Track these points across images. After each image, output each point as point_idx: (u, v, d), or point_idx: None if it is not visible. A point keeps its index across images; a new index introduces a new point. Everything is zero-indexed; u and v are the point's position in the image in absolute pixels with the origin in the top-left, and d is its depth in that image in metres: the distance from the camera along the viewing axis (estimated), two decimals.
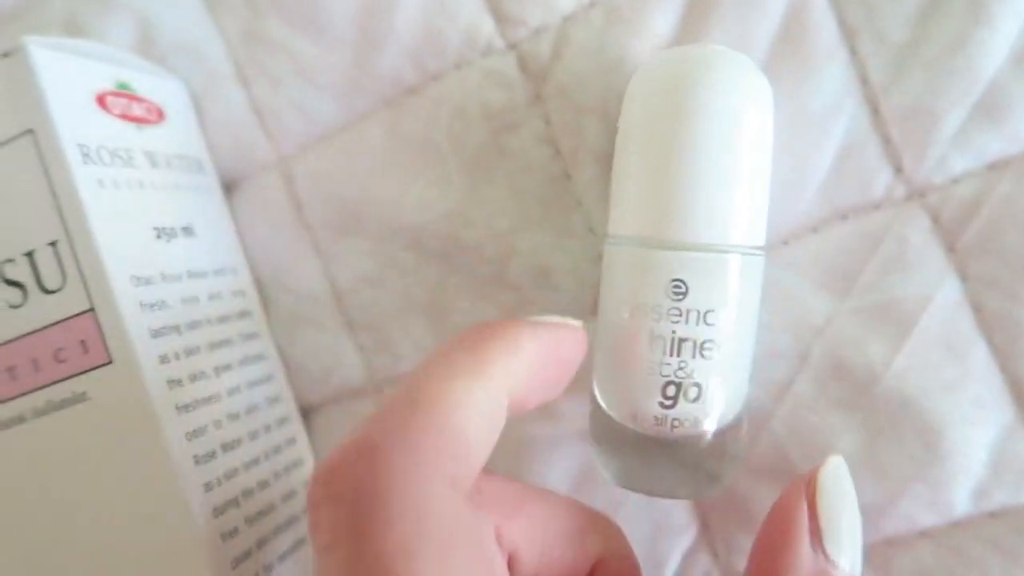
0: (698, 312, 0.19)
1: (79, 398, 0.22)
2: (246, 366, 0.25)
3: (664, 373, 0.19)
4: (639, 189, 0.19)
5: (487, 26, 0.24)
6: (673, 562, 0.24)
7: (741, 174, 0.19)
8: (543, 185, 0.24)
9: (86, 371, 0.22)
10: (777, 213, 0.22)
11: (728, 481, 0.21)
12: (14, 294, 0.22)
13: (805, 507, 0.18)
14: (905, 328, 0.21)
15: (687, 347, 0.19)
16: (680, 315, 0.19)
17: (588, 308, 0.24)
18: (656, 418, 0.19)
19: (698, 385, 0.19)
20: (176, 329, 0.23)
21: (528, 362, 0.19)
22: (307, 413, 0.28)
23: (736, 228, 0.19)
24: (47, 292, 0.22)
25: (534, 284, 0.25)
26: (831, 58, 0.21)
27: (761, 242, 0.20)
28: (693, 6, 0.23)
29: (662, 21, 0.23)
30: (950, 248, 0.21)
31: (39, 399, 0.22)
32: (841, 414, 0.22)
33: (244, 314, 0.26)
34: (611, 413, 0.20)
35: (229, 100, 0.27)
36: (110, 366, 0.21)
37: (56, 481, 0.22)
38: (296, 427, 0.27)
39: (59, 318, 0.22)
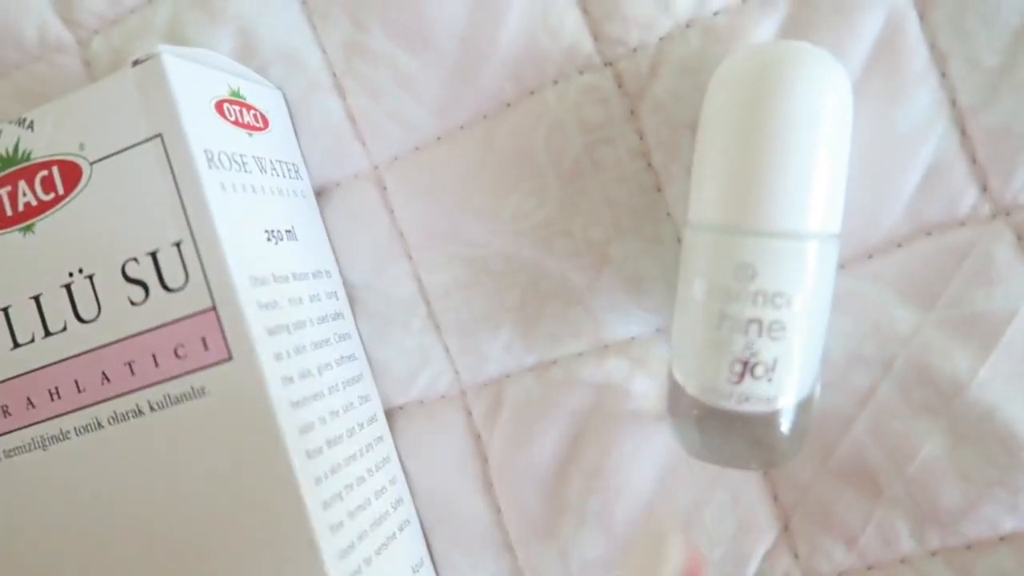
0: (766, 295, 0.20)
1: (198, 393, 0.23)
2: (342, 366, 0.26)
3: (733, 351, 0.20)
4: (714, 177, 0.20)
5: (587, 44, 0.25)
6: (754, 561, 0.25)
7: (815, 163, 0.20)
8: (635, 197, 0.25)
9: (206, 367, 0.22)
10: (863, 228, 0.23)
11: (795, 454, 0.21)
12: (136, 292, 0.23)
13: None
14: (990, 340, 0.22)
15: (754, 328, 0.20)
16: (749, 297, 0.20)
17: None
18: (726, 393, 0.20)
19: (766, 364, 0.20)
20: (287, 328, 0.24)
21: None
22: (391, 414, 0.28)
23: (806, 216, 0.20)
24: (169, 290, 0.23)
25: (625, 291, 0.26)
26: (922, 81, 0.23)
27: (835, 230, 0.20)
28: (789, 27, 0.24)
29: (757, 41, 0.24)
30: None
31: (157, 393, 0.23)
32: (924, 420, 0.23)
33: (338, 316, 0.27)
34: (685, 387, 0.21)
35: (326, 109, 0.28)
36: (230, 362, 0.22)
37: (171, 474, 0.23)
38: (383, 426, 0.28)
39: (180, 315, 0.23)
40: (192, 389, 0.23)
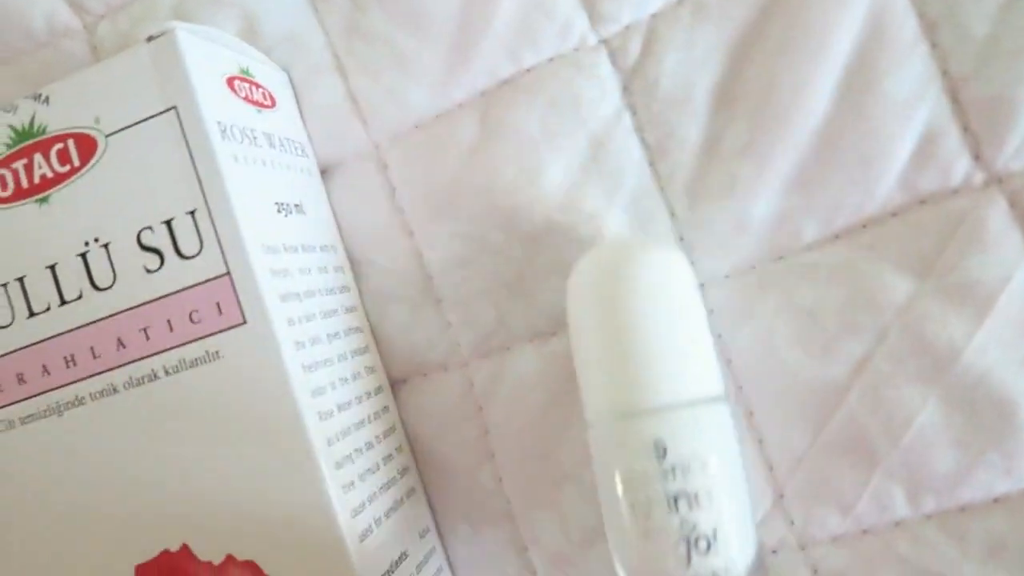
0: (683, 466, 0.20)
1: (212, 357, 0.23)
2: (349, 336, 0.27)
3: (671, 533, 0.20)
4: (599, 374, 0.22)
5: (581, 22, 0.26)
6: None
7: (682, 338, 0.21)
8: (630, 172, 0.26)
9: (221, 331, 0.23)
10: (857, 198, 0.24)
11: None
12: (151, 259, 0.24)
13: None
14: (985, 307, 0.23)
15: (684, 502, 0.20)
16: (668, 473, 0.20)
17: None
18: None
19: (707, 536, 0.20)
20: (297, 296, 0.24)
21: None
22: (395, 386, 0.29)
23: (693, 384, 0.21)
24: (184, 258, 0.23)
25: None
26: (913, 50, 0.23)
27: (721, 391, 0.22)
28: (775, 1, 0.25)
29: (745, 15, 0.25)
30: None
31: (172, 358, 0.23)
32: (919, 388, 0.23)
33: (344, 289, 0.28)
34: None
35: (328, 89, 0.29)
36: (244, 326, 0.23)
37: (186, 436, 0.23)
38: (388, 397, 0.29)
39: (195, 282, 0.23)
40: (207, 353, 0.23)
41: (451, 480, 0.29)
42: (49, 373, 0.24)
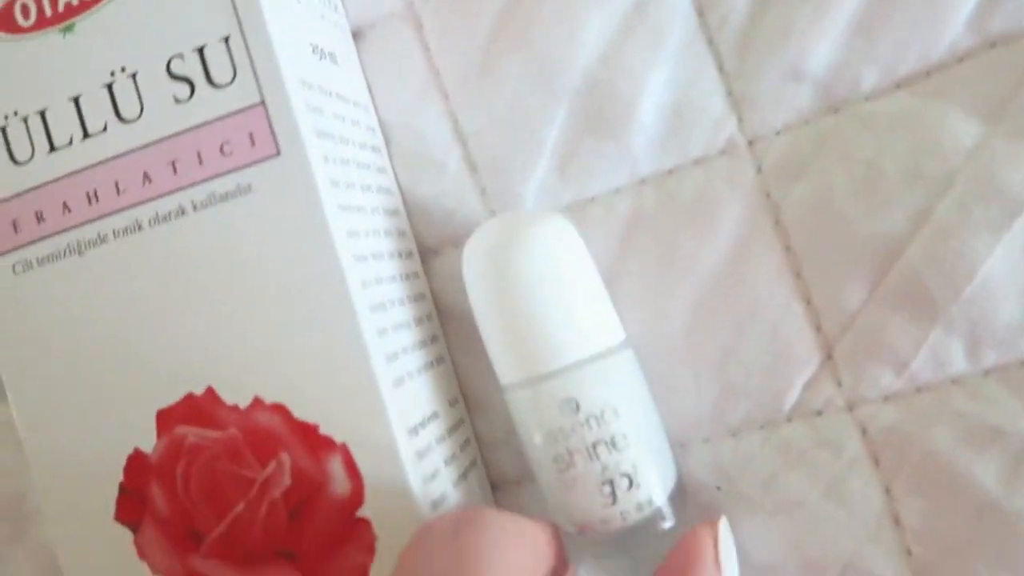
0: (596, 416, 0.22)
1: (244, 190, 0.22)
2: (380, 194, 0.26)
3: (595, 477, 0.22)
4: (505, 343, 0.23)
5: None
6: (793, 392, 0.25)
7: (577, 299, 0.23)
8: (677, 23, 0.25)
9: (253, 163, 0.22)
10: (921, 42, 0.23)
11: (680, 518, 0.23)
12: (181, 89, 0.22)
13: (712, 544, 0.22)
14: None
15: (602, 448, 0.22)
16: (583, 425, 0.22)
17: (719, 145, 0.25)
18: (608, 517, 0.22)
19: (628, 475, 0.22)
20: (332, 137, 0.23)
21: None
22: (424, 255, 0.28)
23: (595, 339, 0.22)
24: (215, 86, 0.22)
25: (663, 121, 0.26)
26: None
27: (622, 337, 0.23)
28: None
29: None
30: None
31: (201, 192, 0.22)
32: (985, 236, 0.22)
33: (376, 149, 0.27)
34: (569, 528, 0.23)
35: None
36: (278, 158, 0.22)
37: (215, 273, 0.22)
38: (418, 264, 0.28)
39: (227, 112, 0.22)
40: (238, 186, 0.22)
41: (481, 357, 0.28)
42: (70, 211, 0.23)
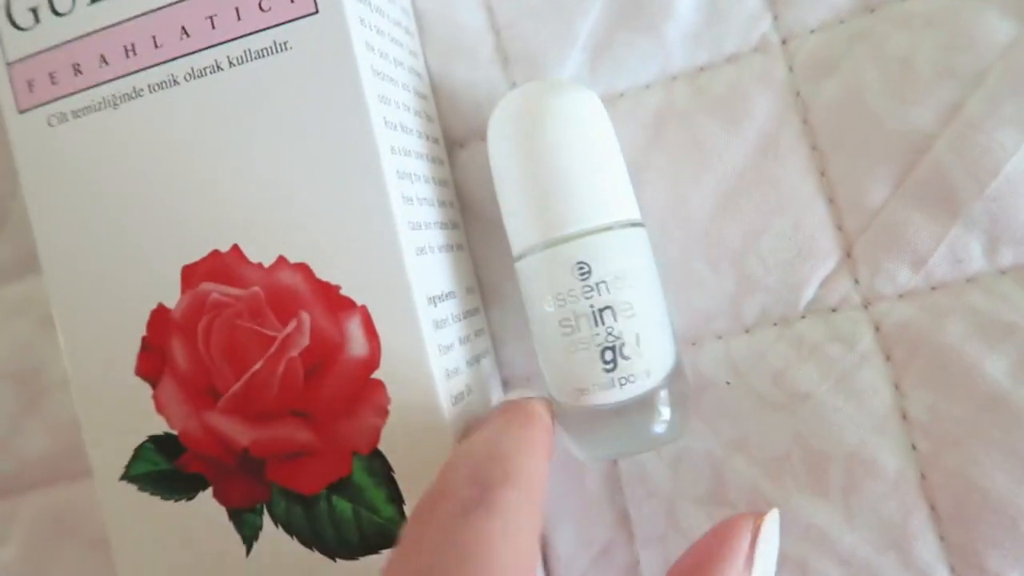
0: (605, 283, 0.22)
1: (280, 47, 0.22)
2: (411, 74, 0.26)
3: (597, 342, 0.22)
4: (525, 208, 0.23)
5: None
6: (810, 288, 0.25)
7: (598, 170, 0.23)
8: None
9: (291, 20, 0.22)
10: None
11: (686, 426, 0.23)
12: None
13: (749, 539, 0.20)
14: None
15: (608, 314, 0.22)
16: (592, 290, 0.22)
17: (753, 43, 0.25)
18: (606, 383, 0.22)
19: (630, 343, 0.22)
20: (368, 2, 0.24)
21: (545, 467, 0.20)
22: (450, 147, 0.28)
23: (611, 210, 0.23)
24: None
25: (700, 15, 0.26)
26: None
27: (637, 218, 0.23)
28: None
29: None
30: None
31: (238, 48, 0.23)
32: (1012, 131, 0.23)
33: (408, 32, 0.27)
34: (569, 400, 0.23)
35: None
36: (316, 16, 0.22)
37: (248, 130, 0.23)
38: (443, 151, 0.28)
39: None
40: (275, 43, 0.22)
41: (499, 250, 0.28)
42: (107, 63, 0.23)
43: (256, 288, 0.23)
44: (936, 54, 0.23)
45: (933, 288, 0.24)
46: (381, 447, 0.22)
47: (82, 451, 0.30)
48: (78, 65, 0.24)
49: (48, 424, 0.31)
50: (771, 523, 0.21)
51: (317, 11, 0.22)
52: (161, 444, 0.24)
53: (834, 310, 0.25)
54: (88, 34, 0.24)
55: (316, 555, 0.23)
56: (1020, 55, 0.23)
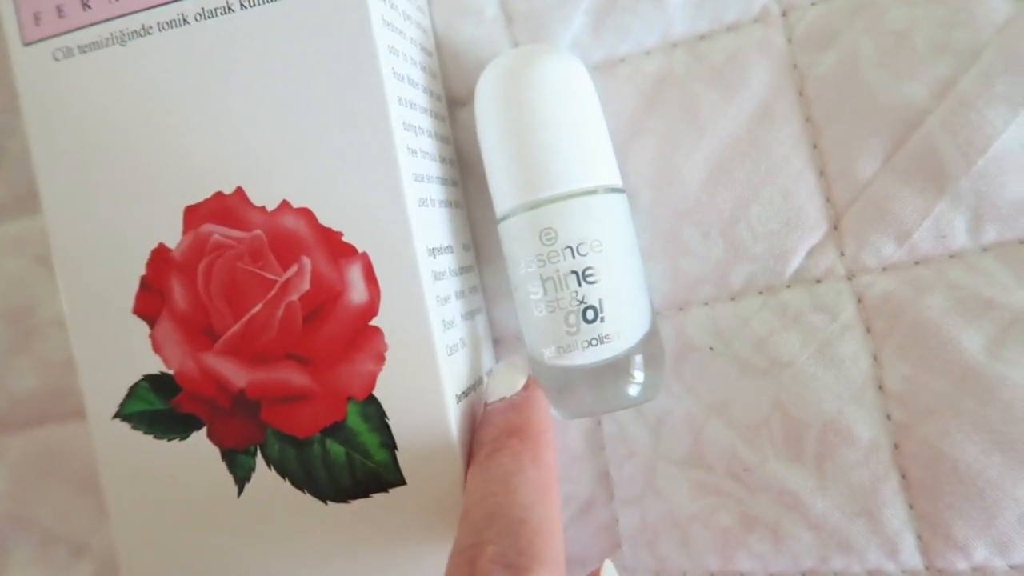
0: (571, 247, 0.23)
1: None
2: (418, 29, 0.26)
3: (563, 305, 0.23)
4: (506, 170, 0.24)
5: None
6: (797, 258, 0.26)
7: (575, 134, 0.24)
8: None
9: None
10: None
11: (659, 387, 0.25)
12: None
13: None
14: None
15: (572, 279, 0.23)
16: (558, 255, 0.23)
17: (754, 12, 0.26)
18: (571, 345, 0.23)
19: (594, 307, 0.23)
20: None
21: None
22: (451, 105, 0.29)
23: (583, 177, 0.23)
24: None
25: None
26: None
27: (617, 184, 0.24)
28: None
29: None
30: None
31: None
32: (1003, 110, 0.23)
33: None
34: (541, 359, 0.24)
35: None
36: None
37: (255, 75, 0.23)
38: (444, 108, 0.28)
39: None
40: None
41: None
42: (116, 0, 0.24)
43: (258, 231, 0.23)
44: (934, 29, 0.24)
45: (916, 262, 0.24)
46: (376, 393, 0.23)
47: (71, 392, 0.31)
48: (87, 0, 0.24)
49: (38, 363, 0.31)
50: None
51: None
52: (156, 383, 0.24)
53: (819, 281, 0.25)
54: None
55: (307, 497, 0.24)
56: (1015, 33, 0.23)
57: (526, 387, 0.24)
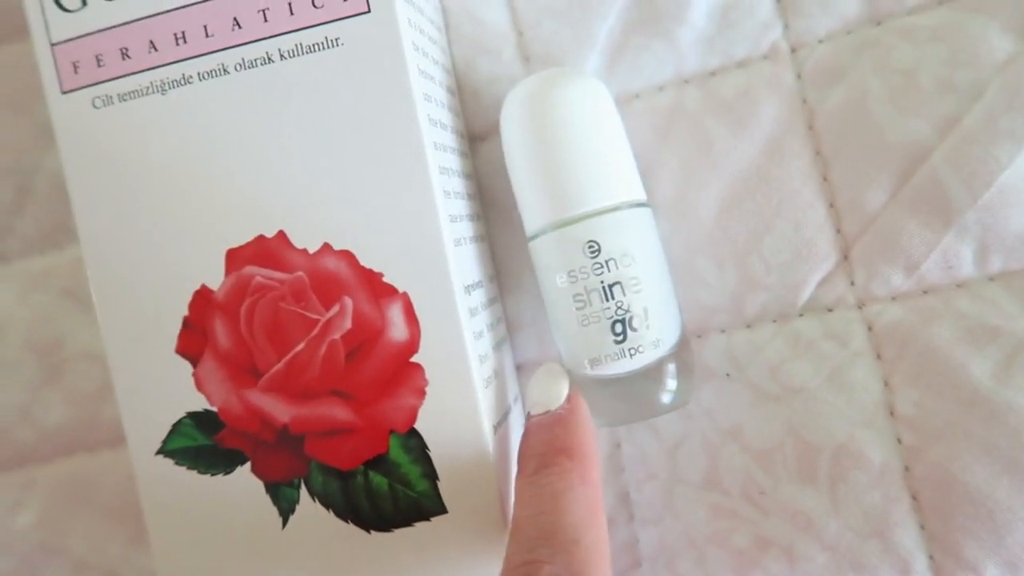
0: (614, 259, 0.24)
1: (332, 43, 0.23)
2: (444, 71, 0.27)
3: (608, 315, 0.24)
4: (538, 190, 0.25)
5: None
6: (808, 288, 0.27)
7: (604, 152, 0.25)
8: None
9: (343, 18, 0.23)
10: None
11: (691, 394, 0.26)
12: None
13: None
14: None
15: (617, 289, 0.24)
16: (602, 267, 0.24)
17: (763, 50, 0.27)
18: (616, 353, 0.24)
19: (639, 315, 0.24)
20: (413, 3, 0.25)
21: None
22: (471, 140, 0.30)
23: (618, 191, 0.24)
24: None
25: (713, 21, 0.27)
26: None
27: (643, 199, 0.25)
28: None
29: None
30: None
31: (289, 42, 0.24)
32: (1007, 145, 0.24)
33: (440, 28, 0.28)
34: (579, 370, 0.25)
35: None
36: (368, 15, 0.23)
37: (295, 123, 0.24)
38: (466, 144, 0.29)
39: None
40: (326, 39, 0.23)
41: (515, 240, 0.29)
42: (156, 50, 0.24)
43: (300, 273, 0.24)
44: (938, 68, 0.25)
45: (924, 292, 0.26)
46: (417, 426, 0.24)
47: (101, 423, 0.31)
48: (126, 49, 0.24)
49: (68, 395, 0.32)
50: None
51: (369, 10, 0.23)
52: (200, 420, 0.25)
53: (830, 310, 0.27)
54: (137, 20, 0.24)
55: (351, 527, 0.24)
56: (1017, 72, 0.25)
57: (569, 399, 0.25)
